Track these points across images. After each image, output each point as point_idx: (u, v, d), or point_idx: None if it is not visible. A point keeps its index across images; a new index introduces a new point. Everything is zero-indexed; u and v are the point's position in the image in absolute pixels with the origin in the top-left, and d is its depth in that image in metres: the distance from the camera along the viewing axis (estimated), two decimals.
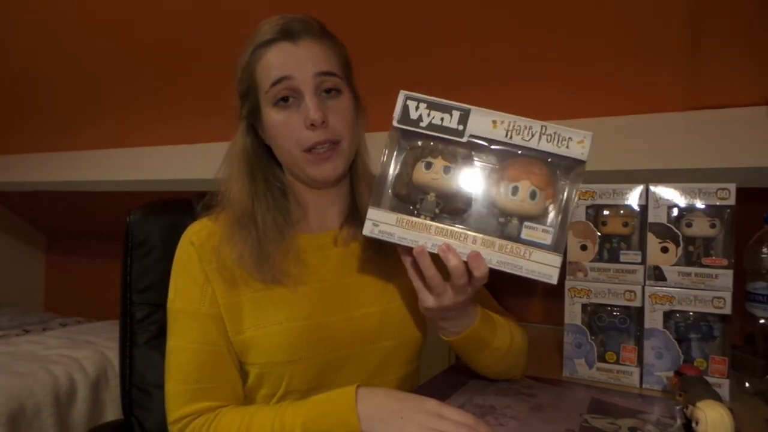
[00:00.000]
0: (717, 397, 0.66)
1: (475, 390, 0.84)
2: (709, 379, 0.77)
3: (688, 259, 0.87)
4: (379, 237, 0.68)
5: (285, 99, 0.78)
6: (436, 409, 0.67)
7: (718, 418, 0.62)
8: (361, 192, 0.87)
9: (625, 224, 0.91)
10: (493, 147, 0.67)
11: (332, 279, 0.83)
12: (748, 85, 1.19)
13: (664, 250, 0.88)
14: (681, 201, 0.87)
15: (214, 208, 0.84)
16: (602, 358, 0.91)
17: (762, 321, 0.89)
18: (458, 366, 0.93)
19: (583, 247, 0.94)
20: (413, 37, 1.44)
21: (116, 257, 1.07)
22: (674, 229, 0.87)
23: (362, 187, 0.87)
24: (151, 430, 0.99)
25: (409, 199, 0.68)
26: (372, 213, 0.68)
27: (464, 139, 0.67)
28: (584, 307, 0.93)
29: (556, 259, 0.66)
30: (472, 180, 0.68)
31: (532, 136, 0.66)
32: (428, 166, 0.67)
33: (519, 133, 0.66)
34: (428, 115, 0.68)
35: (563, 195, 0.67)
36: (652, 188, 0.89)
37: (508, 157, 0.67)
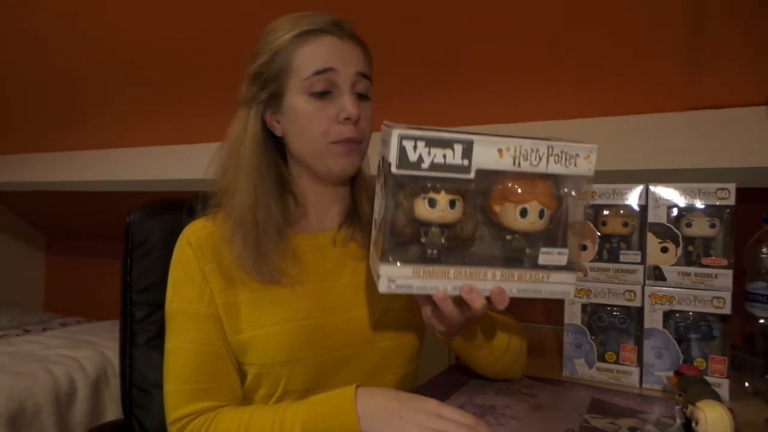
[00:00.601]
0: (717, 397, 0.66)
1: (475, 390, 0.84)
2: (709, 379, 0.77)
3: (688, 259, 0.87)
4: (397, 292, 0.64)
5: (324, 91, 0.78)
6: (436, 409, 0.67)
7: (717, 417, 0.62)
8: (361, 193, 0.89)
9: (625, 224, 0.91)
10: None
11: (330, 279, 0.83)
12: (748, 85, 1.19)
13: (664, 250, 0.88)
14: (681, 201, 0.87)
15: (212, 208, 0.84)
16: (602, 358, 0.91)
17: (761, 321, 0.89)
18: (458, 366, 0.93)
19: (583, 247, 0.94)
20: (413, 37, 1.44)
21: (116, 257, 1.07)
22: (674, 229, 0.87)
23: (361, 189, 0.89)
24: (151, 430, 0.99)
25: (414, 236, 0.64)
26: (385, 270, 0.63)
27: (471, 176, 0.62)
28: (584, 307, 0.93)
29: (572, 276, 0.66)
30: (478, 207, 0.65)
31: (540, 159, 0.63)
32: (432, 203, 0.62)
33: (527, 159, 0.63)
34: (429, 153, 0.61)
35: (571, 211, 0.66)
36: (651, 188, 0.89)
37: (507, 176, 0.64)
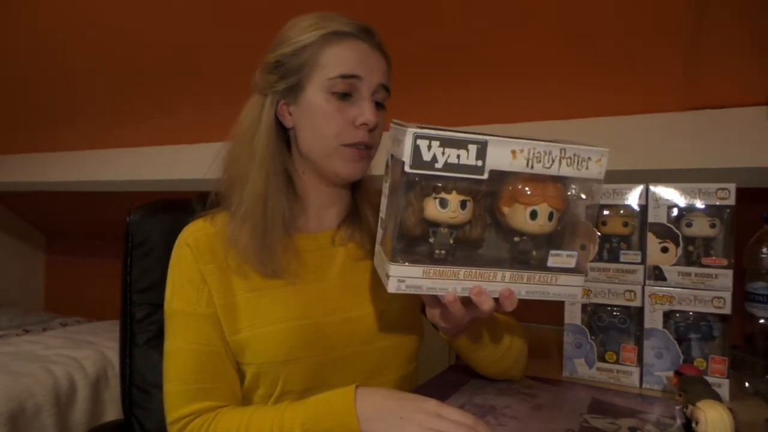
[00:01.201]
0: (717, 397, 0.66)
1: (475, 390, 0.84)
2: (709, 379, 0.77)
3: (688, 259, 0.87)
4: (407, 292, 0.64)
5: (346, 93, 0.79)
6: (436, 409, 0.67)
7: (717, 417, 0.62)
8: (361, 194, 0.89)
9: (625, 224, 0.91)
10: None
11: (329, 279, 0.84)
12: (748, 85, 1.19)
13: (664, 250, 0.88)
14: (681, 201, 0.87)
15: (211, 209, 0.84)
16: (602, 358, 0.91)
17: (762, 321, 0.89)
18: (458, 366, 0.93)
19: (583, 247, 0.93)
20: (414, 37, 1.44)
21: (116, 257, 1.07)
22: (674, 229, 0.87)
23: (362, 190, 0.89)
24: (151, 430, 0.99)
25: (422, 236, 0.64)
26: (394, 270, 0.63)
27: (485, 176, 0.62)
28: (584, 307, 0.93)
29: (580, 279, 0.67)
30: (486, 208, 0.65)
31: (553, 162, 0.63)
32: (443, 203, 0.62)
33: (540, 161, 0.63)
34: (443, 153, 0.60)
35: (579, 214, 0.67)
36: (652, 188, 0.89)
37: (517, 178, 0.64)
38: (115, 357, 1.83)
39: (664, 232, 0.88)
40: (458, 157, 0.61)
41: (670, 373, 0.82)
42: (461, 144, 0.61)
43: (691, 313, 0.86)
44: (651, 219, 0.88)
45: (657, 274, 0.88)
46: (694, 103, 1.26)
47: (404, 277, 0.63)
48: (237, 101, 0.87)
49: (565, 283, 0.67)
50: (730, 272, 0.84)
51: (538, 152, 0.62)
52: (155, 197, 1.08)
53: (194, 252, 0.81)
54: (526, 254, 0.66)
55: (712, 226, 0.86)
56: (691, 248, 0.87)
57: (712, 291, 0.84)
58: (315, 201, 0.87)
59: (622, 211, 0.92)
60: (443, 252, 0.64)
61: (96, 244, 2.76)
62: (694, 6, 1.15)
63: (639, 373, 0.89)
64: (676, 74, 1.25)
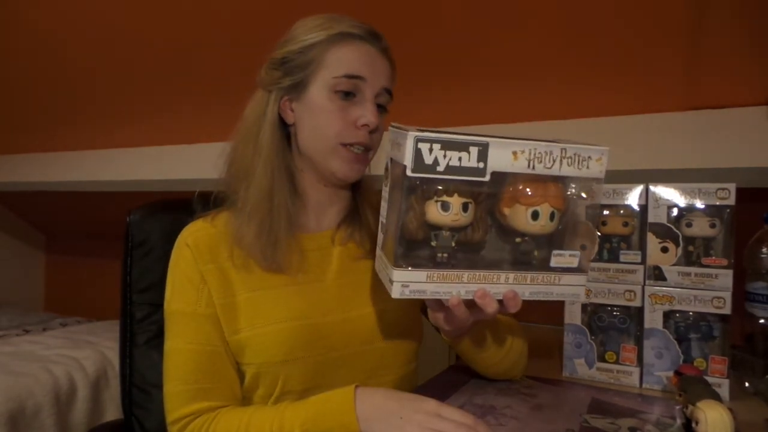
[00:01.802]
0: (717, 397, 0.66)
1: (475, 390, 0.84)
2: (709, 379, 0.77)
3: (688, 259, 0.87)
4: (411, 297, 0.64)
5: (349, 93, 0.79)
6: (436, 409, 0.67)
7: (717, 417, 0.62)
8: (362, 195, 0.89)
9: (625, 224, 0.91)
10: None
11: (329, 279, 0.84)
12: (748, 85, 1.19)
13: (664, 250, 0.88)
14: (681, 201, 0.87)
15: (211, 209, 0.85)
16: (602, 358, 0.91)
17: (762, 321, 0.89)
18: (458, 366, 0.93)
19: (583, 247, 0.93)
20: (413, 37, 1.44)
21: (116, 257, 1.07)
22: (674, 229, 0.87)
23: (363, 191, 0.90)
24: (151, 430, 0.99)
25: (425, 239, 0.63)
26: (398, 275, 0.62)
27: (486, 178, 0.62)
28: (584, 307, 0.93)
29: (582, 279, 0.67)
30: (489, 209, 0.65)
31: (554, 162, 0.63)
32: (445, 206, 0.62)
33: (541, 161, 0.63)
34: (444, 156, 0.60)
35: (579, 213, 0.67)
36: (651, 188, 0.89)
37: (518, 179, 0.64)
38: (115, 357, 1.83)
39: (664, 232, 0.88)
40: (460, 159, 0.60)
41: (670, 373, 0.82)
42: (462, 146, 0.60)
43: (691, 313, 0.86)
44: (651, 219, 0.88)
45: (657, 274, 0.88)
46: (694, 103, 1.26)
47: (408, 282, 0.63)
48: (237, 101, 0.87)
49: (568, 282, 0.67)
50: (730, 272, 0.84)
51: (539, 153, 0.62)
52: (155, 197, 1.08)
53: (194, 252, 0.81)
54: (528, 255, 0.66)
55: (712, 226, 0.86)
56: (691, 248, 0.87)
57: (712, 291, 0.84)
58: (314, 199, 0.87)
59: (622, 211, 0.92)
60: (446, 255, 0.64)
61: (96, 244, 2.76)
62: (694, 6, 1.15)
63: (639, 373, 0.89)
64: (676, 74, 1.25)
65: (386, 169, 0.67)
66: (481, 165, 0.61)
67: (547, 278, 0.66)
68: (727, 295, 0.82)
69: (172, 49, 1.80)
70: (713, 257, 0.86)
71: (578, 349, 0.92)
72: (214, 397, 0.77)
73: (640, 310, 0.88)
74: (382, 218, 0.68)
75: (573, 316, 0.93)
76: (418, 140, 0.59)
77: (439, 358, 1.39)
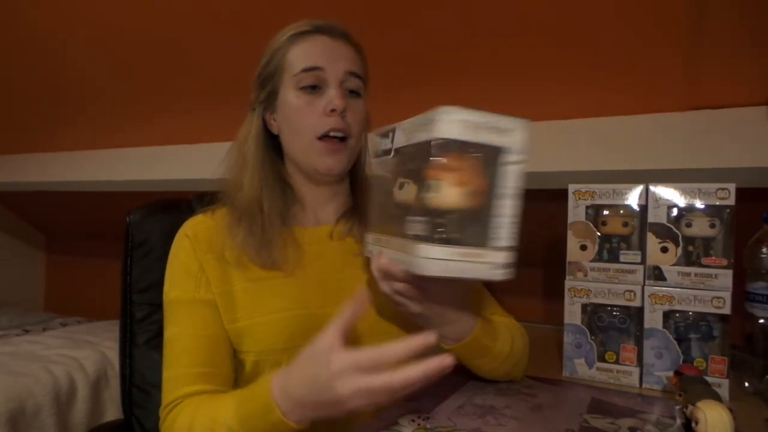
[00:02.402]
0: (716, 397, 0.66)
1: (475, 390, 0.84)
2: (709, 379, 0.77)
3: (688, 259, 0.87)
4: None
5: (312, 87, 0.81)
6: (346, 364, 0.59)
7: (717, 417, 0.62)
8: (360, 189, 0.90)
9: (625, 224, 0.91)
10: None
11: (327, 272, 0.84)
12: (748, 85, 1.19)
13: (664, 250, 0.88)
14: (681, 201, 0.87)
15: (212, 205, 0.86)
16: (602, 358, 0.91)
17: (761, 321, 0.89)
18: (458, 366, 0.93)
19: (583, 247, 0.94)
20: (410, 36, 1.44)
21: (116, 257, 1.07)
22: (674, 229, 0.87)
23: (362, 187, 0.90)
24: (151, 430, 0.99)
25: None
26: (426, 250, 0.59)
27: (391, 155, 0.68)
28: (584, 307, 0.93)
29: (439, 251, 0.59)
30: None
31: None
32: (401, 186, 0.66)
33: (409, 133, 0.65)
34: (391, 141, 0.69)
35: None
36: (651, 188, 0.89)
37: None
38: (115, 357, 1.83)
39: (664, 232, 0.88)
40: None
41: (670, 373, 0.82)
42: (387, 134, 0.70)
43: (690, 313, 0.86)
44: (651, 219, 0.88)
45: (657, 274, 0.88)
46: (694, 103, 1.25)
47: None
48: (237, 102, 0.89)
49: (424, 254, 0.59)
50: (729, 272, 0.84)
51: (412, 124, 0.65)
52: (155, 197, 1.08)
53: (192, 242, 0.82)
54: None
55: (712, 226, 0.86)
56: (690, 248, 0.87)
57: (711, 291, 0.84)
58: (310, 200, 0.89)
59: (622, 211, 0.92)
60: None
61: (96, 244, 2.76)
62: (694, 6, 1.15)
63: (639, 373, 0.89)
64: (676, 74, 1.24)
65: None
66: (390, 145, 0.69)
67: (403, 246, 0.62)
68: (727, 295, 0.82)
69: (172, 49, 1.80)
70: (713, 257, 0.86)
71: (578, 349, 0.92)
72: (211, 381, 0.77)
73: (640, 310, 0.88)
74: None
75: (573, 316, 0.93)
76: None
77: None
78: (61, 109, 2.30)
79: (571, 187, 0.95)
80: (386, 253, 0.68)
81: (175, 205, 1.05)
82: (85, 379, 1.75)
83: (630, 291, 0.89)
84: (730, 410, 0.63)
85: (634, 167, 1.23)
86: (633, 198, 0.91)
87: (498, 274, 0.60)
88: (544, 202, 1.14)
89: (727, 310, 0.82)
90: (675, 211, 0.88)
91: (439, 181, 0.59)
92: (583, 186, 0.94)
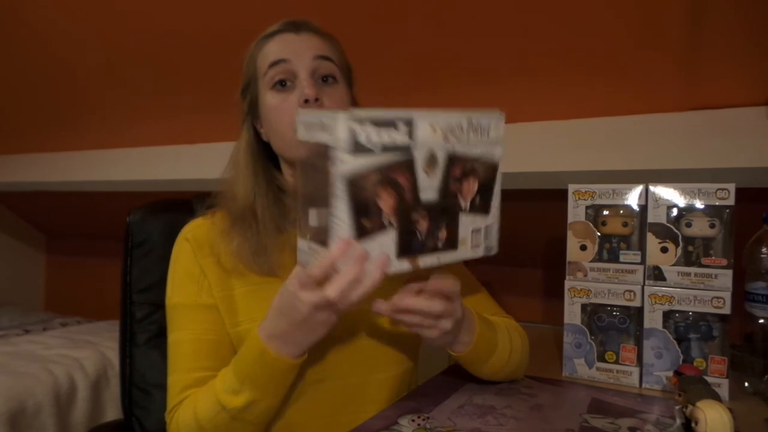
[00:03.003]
0: (716, 397, 0.66)
1: (475, 390, 0.84)
2: (709, 379, 0.77)
3: (688, 259, 0.87)
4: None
5: (282, 83, 0.81)
6: (296, 283, 0.64)
7: (717, 417, 0.62)
8: None
9: (625, 224, 0.92)
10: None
11: None
12: (748, 85, 1.19)
13: (664, 250, 0.88)
14: (680, 201, 0.87)
15: (211, 208, 0.86)
16: (602, 358, 0.91)
17: (761, 321, 0.89)
18: (458, 366, 0.93)
19: (583, 247, 0.94)
20: (409, 36, 1.44)
21: (116, 257, 1.07)
22: (674, 229, 0.87)
23: None
24: (151, 430, 0.99)
25: None
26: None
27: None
28: (584, 307, 0.93)
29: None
30: None
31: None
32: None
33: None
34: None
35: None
36: (651, 188, 0.89)
37: None
38: (115, 357, 1.83)
39: (664, 232, 0.88)
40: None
41: (670, 373, 0.82)
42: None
43: (690, 313, 0.86)
44: (651, 219, 0.88)
45: (657, 274, 0.88)
46: (694, 103, 1.25)
47: None
48: (237, 102, 0.89)
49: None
50: (729, 272, 0.84)
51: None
52: (155, 197, 1.08)
53: (193, 246, 0.82)
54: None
55: (712, 226, 0.86)
56: (690, 248, 0.87)
57: (711, 291, 0.84)
58: None
59: (621, 211, 0.92)
60: None
61: (96, 244, 2.76)
62: (694, 6, 1.15)
63: (639, 373, 0.89)
64: (675, 74, 1.24)
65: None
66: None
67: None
68: (727, 295, 0.83)
69: (171, 49, 1.80)
70: (713, 257, 0.86)
71: (578, 349, 0.93)
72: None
73: (640, 310, 0.88)
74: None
75: (573, 316, 0.93)
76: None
77: (439, 358, 1.39)
78: (61, 109, 2.30)
79: (571, 187, 0.95)
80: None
81: (175, 205, 1.05)
82: (85, 379, 1.75)
83: (630, 291, 0.89)
84: (730, 410, 0.63)
85: (634, 167, 1.23)
86: (633, 198, 0.91)
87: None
88: (543, 202, 1.14)
89: (726, 310, 0.83)
90: (675, 211, 0.88)
91: None
92: (583, 186, 0.94)
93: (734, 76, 1.20)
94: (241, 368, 0.71)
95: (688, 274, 0.86)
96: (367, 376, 0.82)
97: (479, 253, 0.70)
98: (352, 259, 0.58)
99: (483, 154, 0.68)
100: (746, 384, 0.87)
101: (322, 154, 0.58)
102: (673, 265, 0.87)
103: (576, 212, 0.94)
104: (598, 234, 0.93)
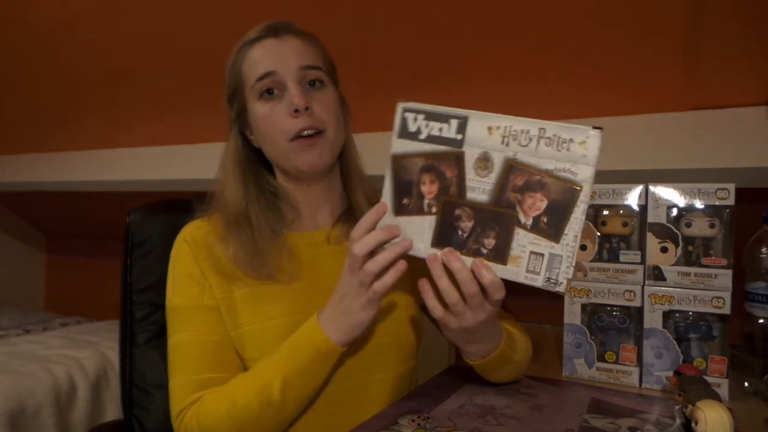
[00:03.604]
0: (716, 397, 0.66)
1: (475, 390, 0.84)
2: (709, 379, 0.77)
3: (688, 259, 0.87)
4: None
5: (270, 92, 0.81)
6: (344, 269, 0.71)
7: (717, 417, 0.62)
8: (354, 190, 0.89)
9: (625, 224, 0.91)
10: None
11: (326, 277, 0.83)
12: (748, 85, 1.19)
13: (664, 250, 0.88)
14: (680, 201, 0.87)
15: (208, 210, 0.86)
16: (602, 358, 0.91)
17: (761, 321, 0.89)
18: (458, 366, 0.93)
19: (583, 247, 0.94)
20: (409, 36, 1.44)
21: (116, 257, 1.07)
22: (674, 229, 0.87)
23: (355, 186, 0.89)
24: (151, 430, 0.99)
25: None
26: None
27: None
28: (584, 307, 0.93)
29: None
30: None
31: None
32: None
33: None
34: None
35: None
36: (651, 188, 0.89)
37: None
38: (115, 357, 1.83)
39: (664, 232, 0.88)
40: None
41: (670, 373, 0.82)
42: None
43: (690, 313, 0.86)
44: (651, 219, 0.88)
45: (657, 274, 0.88)
46: (694, 103, 1.26)
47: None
48: (223, 109, 0.89)
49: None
50: (729, 272, 0.84)
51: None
52: (155, 197, 1.08)
53: (192, 248, 0.82)
54: None
55: (712, 226, 0.86)
56: (690, 248, 0.87)
57: (711, 291, 0.84)
58: (304, 203, 0.88)
59: (621, 211, 0.92)
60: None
61: (96, 244, 2.76)
62: (694, 6, 1.15)
63: (638, 373, 0.89)
64: (675, 74, 1.25)
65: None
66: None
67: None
68: (727, 295, 0.82)
69: (171, 49, 1.80)
70: (713, 257, 0.86)
71: (578, 349, 0.92)
72: (219, 385, 0.76)
73: (640, 310, 0.88)
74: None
75: (573, 316, 0.93)
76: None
77: (439, 358, 1.39)
78: (61, 109, 2.30)
79: None
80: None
81: (175, 205, 1.05)
82: (85, 379, 1.75)
83: (630, 291, 0.89)
84: (730, 410, 0.63)
85: (634, 167, 1.23)
86: (633, 198, 0.91)
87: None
88: None
89: (726, 310, 0.83)
90: (675, 211, 0.88)
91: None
92: None
93: (734, 76, 1.20)
94: (293, 346, 0.74)
95: (688, 274, 0.86)
96: (367, 377, 0.82)
97: (537, 282, 0.62)
98: (384, 225, 0.67)
99: (558, 169, 0.61)
100: (746, 384, 0.87)
101: None
102: (673, 265, 0.87)
103: None
104: (598, 234, 0.93)
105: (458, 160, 0.64)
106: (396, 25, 1.44)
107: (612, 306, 0.91)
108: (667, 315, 0.87)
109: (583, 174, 0.60)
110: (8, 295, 2.85)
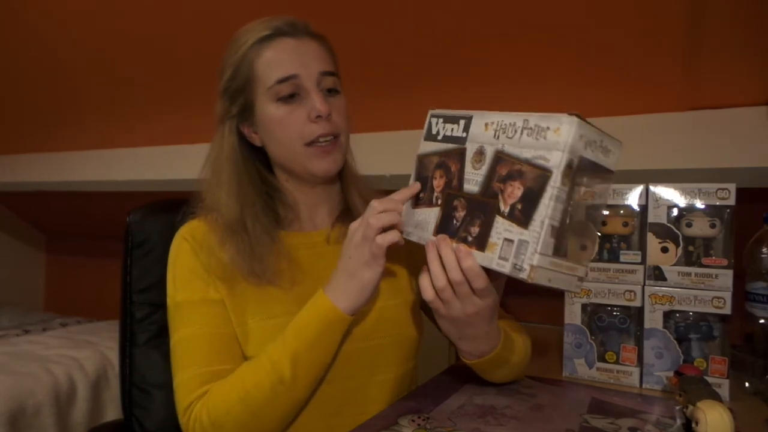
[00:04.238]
0: (717, 397, 0.66)
1: (475, 390, 0.84)
2: (709, 379, 0.77)
3: (688, 259, 0.87)
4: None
5: (291, 95, 0.79)
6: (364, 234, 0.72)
7: (717, 418, 0.62)
8: (352, 191, 0.89)
9: (625, 224, 0.91)
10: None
11: (326, 277, 0.83)
12: (748, 85, 1.19)
13: (664, 250, 0.88)
14: (681, 201, 0.87)
15: (195, 214, 0.84)
16: (602, 358, 0.91)
17: (761, 321, 0.89)
18: (458, 366, 0.93)
19: (583, 247, 0.93)
20: (410, 36, 1.44)
21: (116, 257, 1.07)
22: (674, 229, 0.87)
23: (350, 185, 0.89)
24: (151, 430, 0.99)
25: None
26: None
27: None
28: (584, 307, 0.93)
29: None
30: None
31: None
32: None
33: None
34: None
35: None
36: (652, 188, 0.89)
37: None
38: (115, 357, 1.83)
39: (664, 232, 0.88)
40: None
41: (670, 373, 0.82)
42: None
43: (691, 313, 0.86)
44: (651, 219, 0.88)
45: (657, 274, 0.88)
46: (694, 103, 1.26)
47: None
48: (216, 99, 0.88)
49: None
50: (730, 272, 0.84)
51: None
52: (155, 197, 1.08)
53: (193, 245, 0.81)
54: None
55: (712, 226, 0.86)
56: (691, 248, 0.87)
57: (712, 291, 0.84)
58: (304, 203, 0.88)
59: (622, 211, 0.92)
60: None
61: (96, 244, 2.76)
62: (694, 6, 1.15)
63: (639, 373, 0.89)
64: (675, 74, 1.25)
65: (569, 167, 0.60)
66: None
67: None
68: (727, 295, 0.82)
69: (172, 48, 1.80)
70: (713, 257, 0.86)
71: (578, 349, 0.92)
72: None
73: (640, 310, 0.88)
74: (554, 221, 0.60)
75: (573, 316, 0.93)
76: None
77: (439, 358, 1.39)
78: (61, 109, 2.30)
79: None
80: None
81: (175, 205, 1.04)
82: (85, 379, 1.75)
83: (630, 291, 0.89)
84: (730, 410, 0.63)
85: (634, 167, 1.23)
86: (633, 198, 0.91)
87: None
88: None
89: (727, 310, 0.82)
90: (675, 211, 0.88)
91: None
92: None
93: (734, 76, 1.20)
94: (299, 319, 0.74)
95: (689, 274, 0.86)
96: (368, 378, 0.82)
97: (505, 269, 0.61)
98: (404, 215, 0.74)
99: (534, 157, 0.60)
100: (747, 384, 0.87)
101: None
102: (674, 265, 0.87)
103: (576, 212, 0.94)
104: (599, 234, 0.93)
105: (461, 155, 0.69)
106: (396, 25, 1.43)
107: (612, 306, 0.91)
108: (667, 315, 0.87)
109: (555, 160, 0.59)
110: (8, 295, 2.85)
